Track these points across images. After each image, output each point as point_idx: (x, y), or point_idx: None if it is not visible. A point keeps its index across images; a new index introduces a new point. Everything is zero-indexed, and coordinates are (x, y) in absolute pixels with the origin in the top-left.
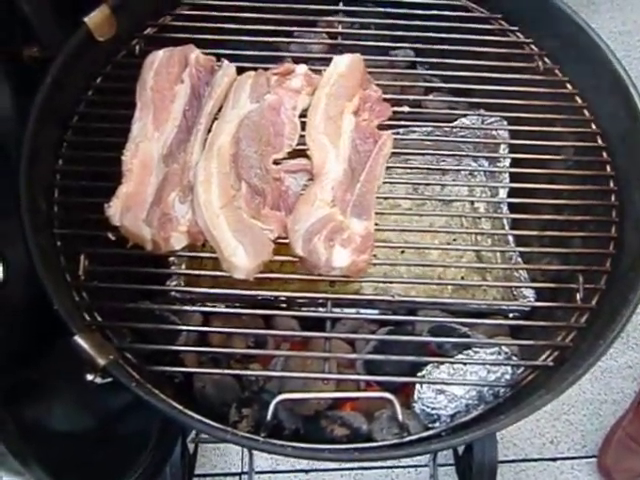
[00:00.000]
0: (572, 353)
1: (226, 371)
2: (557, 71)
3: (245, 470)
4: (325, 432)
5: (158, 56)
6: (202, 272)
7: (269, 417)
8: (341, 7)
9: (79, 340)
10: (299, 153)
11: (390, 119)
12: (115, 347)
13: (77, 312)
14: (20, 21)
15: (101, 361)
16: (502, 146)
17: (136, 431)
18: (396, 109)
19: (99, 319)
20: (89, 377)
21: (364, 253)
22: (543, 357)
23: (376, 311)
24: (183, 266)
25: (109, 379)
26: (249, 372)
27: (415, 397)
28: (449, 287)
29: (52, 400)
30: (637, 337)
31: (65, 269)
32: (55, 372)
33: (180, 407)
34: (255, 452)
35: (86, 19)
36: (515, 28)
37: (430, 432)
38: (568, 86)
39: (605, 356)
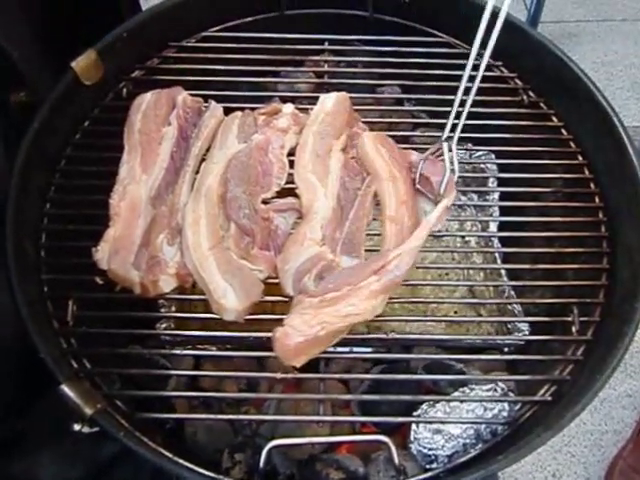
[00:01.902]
0: (570, 387)
1: (218, 416)
2: (542, 104)
3: None
4: (321, 476)
5: (145, 98)
6: (192, 315)
7: (262, 464)
8: (327, 46)
9: (65, 389)
10: (288, 192)
11: None
12: (103, 394)
13: (64, 359)
14: (7, 66)
15: (88, 410)
16: (491, 179)
17: (128, 479)
18: None
19: (87, 366)
20: (76, 427)
21: None
22: (541, 392)
23: (370, 349)
24: (173, 308)
25: (97, 428)
26: (242, 417)
27: (411, 437)
28: (443, 323)
29: (41, 451)
30: (635, 365)
31: (52, 315)
32: (44, 421)
33: (170, 455)
34: None
35: (73, 64)
36: (499, 63)
37: (428, 474)
38: (554, 119)
39: None
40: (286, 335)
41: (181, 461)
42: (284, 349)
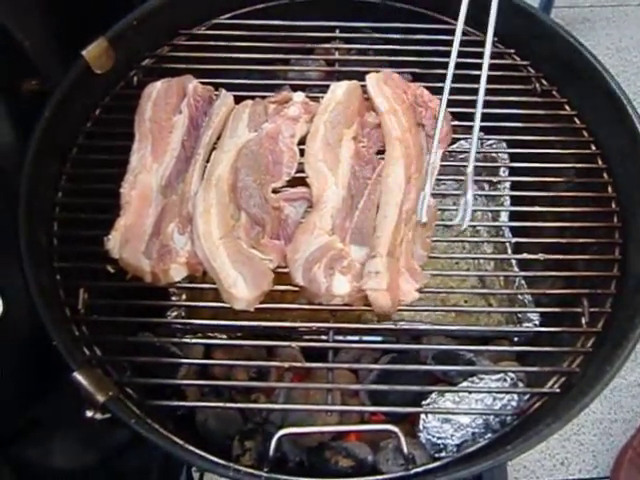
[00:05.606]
0: (579, 379)
1: (228, 405)
2: (555, 92)
3: None
4: (330, 463)
5: (156, 87)
6: (202, 303)
7: (271, 452)
8: (338, 34)
9: (78, 377)
10: (298, 181)
11: None
12: (115, 382)
13: (77, 347)
14: (19, 55)
15: (100, 398)
16: (502, 169)
17: (139, 464)
18: None
19: (99, 353)
20: (89, 413)
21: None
22: (550, 383)
23: (379, 338)
24: (184, 296)
25: (109, 415)
26: (252, 405)
27: (420, 426)
28: (453, 312)
29: (55, 437)
30: None
31: (64, 303)
32: (57, 408)
33: (181, 442)
34: None
35: (84, 52)
36: (511, 50)
37: (436, 463)
38: (566, 107)
39: None
40: None
41: (192, 448)
42: None
